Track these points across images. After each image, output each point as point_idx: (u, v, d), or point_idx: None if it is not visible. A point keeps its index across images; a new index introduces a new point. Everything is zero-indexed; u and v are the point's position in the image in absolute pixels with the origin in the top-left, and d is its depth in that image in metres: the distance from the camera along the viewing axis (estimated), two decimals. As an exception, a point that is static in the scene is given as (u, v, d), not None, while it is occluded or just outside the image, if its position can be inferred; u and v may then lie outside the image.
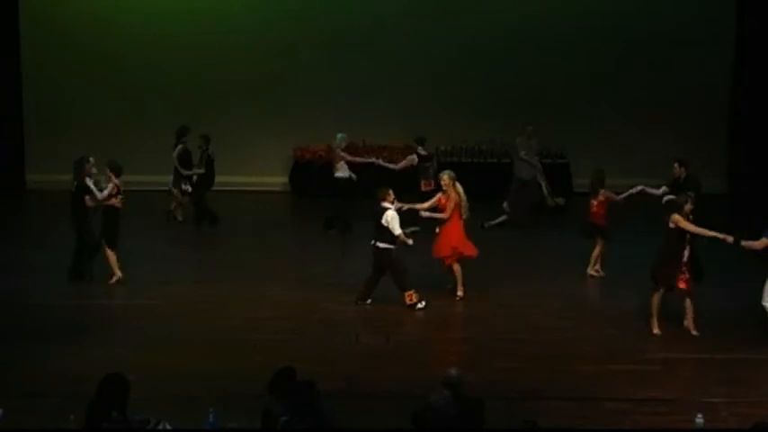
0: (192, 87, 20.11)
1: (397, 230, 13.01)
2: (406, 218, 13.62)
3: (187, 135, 17.61)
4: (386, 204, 13.12)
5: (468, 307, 13.39)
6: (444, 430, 8.12)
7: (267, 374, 8.06)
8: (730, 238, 11.76)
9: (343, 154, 17.30)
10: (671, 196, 13.73)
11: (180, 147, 17.50)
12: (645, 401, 10.38)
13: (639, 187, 14.75)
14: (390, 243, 13.07)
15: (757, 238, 11.87)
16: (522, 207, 17.66)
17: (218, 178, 18.01)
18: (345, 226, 17.01)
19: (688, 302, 12.27)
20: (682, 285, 12.12)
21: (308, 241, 16.96)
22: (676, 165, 14.61)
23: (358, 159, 17.69)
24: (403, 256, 13.25)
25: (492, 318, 13.08)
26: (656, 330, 12.31)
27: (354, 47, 20.23)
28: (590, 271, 14.57)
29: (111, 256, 13.99)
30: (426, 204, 13.74)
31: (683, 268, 12.09)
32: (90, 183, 14.00)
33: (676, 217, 11.98)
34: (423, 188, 16.80)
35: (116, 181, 13.94)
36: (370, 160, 17.82)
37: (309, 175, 19.96)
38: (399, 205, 13.37)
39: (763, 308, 11.91)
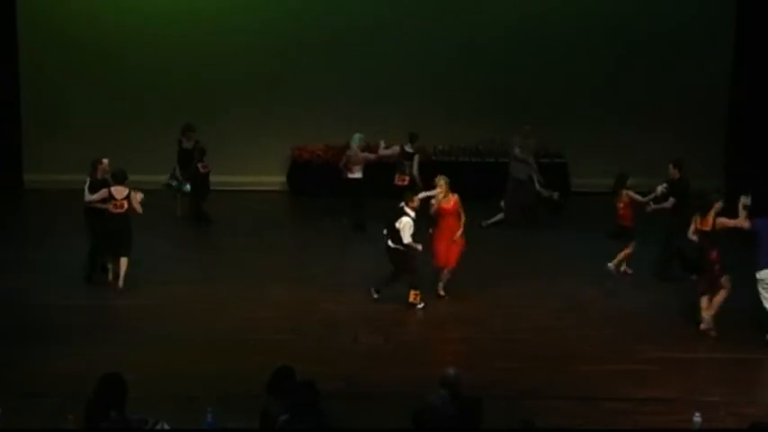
0: (191, 87, 20.05)
1: (407, 239, 13.11)
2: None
3: (187, 133, 17.66)
4: (407, 209, 13.19)
5: (468, 307, 13.40)
6: (442, 430, 8.13)
7: (267, 374, 8.06)
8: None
9: (364, 154, 17.29)
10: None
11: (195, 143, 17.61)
12: (644, 401, 10.41)
13: (661, 187, 14.75)
14: (400, 245, 13.18)
15: (753, 237, 11.98)
16: (516, 206, 17.64)
17: (216, 178, 18.02)
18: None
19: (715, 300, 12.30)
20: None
21: (307, 241, 16.95)
22: (671, 166, 14.71)
23: (383, 153, 17.59)
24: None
25: (491, 317, 13.08)
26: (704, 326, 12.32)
27: (353, 47, 20.18)
28: (611, 265, 14.46)
29: (123, 262, 13.94)
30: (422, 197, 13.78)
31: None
32: (86, 183, 14.06)
33: (722, 220, 12.11)
34: (396, 182, 16.88)
35: (111, 187, 13.89)
36: (387, 152, 17.71)
37: (307, 174, 19.94)
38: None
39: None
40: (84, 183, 14.22)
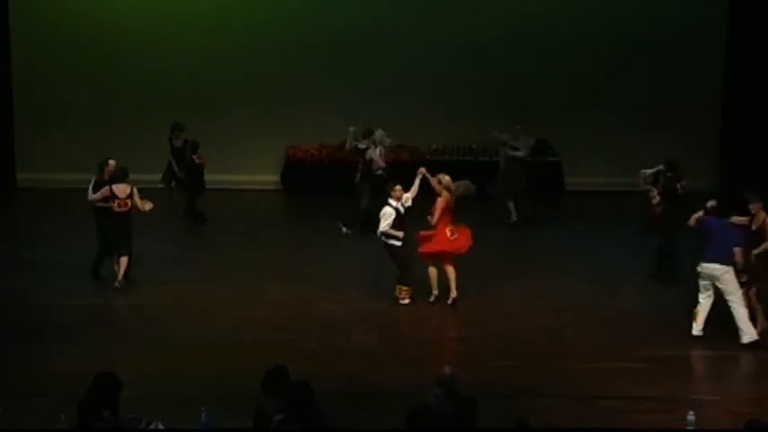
0: (185, 86, 20.03)
1: (382, 227, 13.12)
2: None
3: (175, 132, 17.68)
4: (390, 200, 13.23)
5: (465, 306, 13.39)
6: (438, 429, 8.14)
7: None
8: None
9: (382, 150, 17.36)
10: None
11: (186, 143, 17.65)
12: (639, 399, 10.43)
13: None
14: (391, 238, 13.17)
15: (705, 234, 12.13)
16: (506, 197, 17.59)
17: (209, 177, 17.98)
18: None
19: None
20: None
21: (303, 240, 16.94)
22: (663, 167, 14.79)
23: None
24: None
25: (488, 316, 13.08)
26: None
27: (350, 46, 20.19)
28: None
29: (122, 260, 13.95)
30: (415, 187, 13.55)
31: None
32: (91, 181, 14.07)
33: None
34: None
35: (113, 186, 13.87)
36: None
37: (301, 173, 19.96)
38: (413, 192, 13.39)
39: None
40: (88, 182, 14.18)
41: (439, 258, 13.36)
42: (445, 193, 13.27)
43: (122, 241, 13.92)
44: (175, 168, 17.74)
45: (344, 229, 16.81)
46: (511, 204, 17.59)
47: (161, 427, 7.36)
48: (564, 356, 11.64)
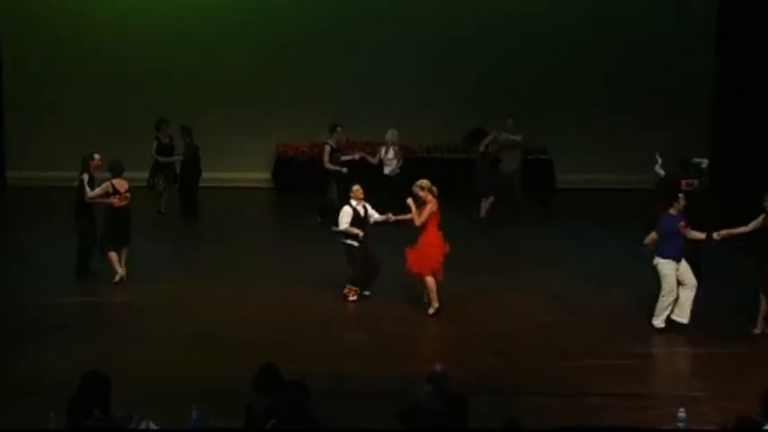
0: (175, 85, 20.02)
1: (341, 225, 13.18)
2: None
3: (161, 128, 17.65)
4: (351, 200, 13.25)
5: (455, 303, 13.39)
6: (428, 426, 8.14)
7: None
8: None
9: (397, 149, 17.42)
10: None
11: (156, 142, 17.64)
12: (629, 396, 10.46)
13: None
14: (348, 238, 13.20)
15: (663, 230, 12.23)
16: (490, 186, 17.58)
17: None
18: None
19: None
20: None
21: (295, 238, 16.93)
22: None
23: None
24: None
25: (479, 314, 13.08)
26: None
27: (343, 44, 20.19)
28: None
29: (112, 256, 13.92)
30: (408, 216, 13.12)
31: None
32: (85, 179, 13.99)
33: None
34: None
35: (113, 181, 13.89)
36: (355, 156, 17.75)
37: (292, 171, 19.94)
38: (386, 217, 13.34)
39: None
40: (75, 180, 14.13)
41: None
42: (430, 197, 12.91)
43: (124, 236, 13.97)
44: (171, 161, 17.60)
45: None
46: (488, 201, 17.55)
47: (152, 425, 7.34)
48: (554, 354, 11.66)
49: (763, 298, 12.17)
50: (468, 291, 13.85)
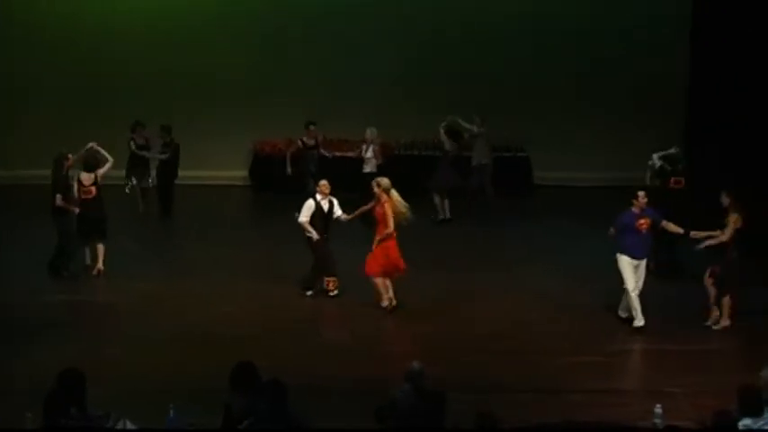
0: (152, 82, 19.95)
1: (301, 218, 13.26)
2: None
3: (137, 130, 17.57)
4: (317, 195, 13.29)
5: (434, 301, 13.43)
6: (406, 424, 8.14)
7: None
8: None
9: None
10: None
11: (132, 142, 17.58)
12: (606, 393, 10.51)
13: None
14: (308, 231, 13.31)
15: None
16: (446, 180, 17.58)
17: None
18: None
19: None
20: None
21: (274, 236, 16.83)
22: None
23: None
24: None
25: (459, 312, 13.12)
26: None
27: (319, 41, 20.17)
28: None
29: (98, 249, 14.07)
30: (357, 212, 13.36)
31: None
32: (75, 178, 14.18)
33: None
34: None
35: (80, 174, 14.01)
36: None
37: (270, 169, 19.90)
38: (346, 216, 13.41)
39: None
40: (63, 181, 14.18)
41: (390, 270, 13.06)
42: (385, 197, 12.85)
43: (98, 228, 14.06)
44: (154, 157, 17.54)
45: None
46: (438, 200, 17.57)
47: (129, 424, 7.30)
48: (534, 351, 11.72)
49: (712, 289, 12.36)
50: (448, 289, 13.87)
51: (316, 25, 20.18)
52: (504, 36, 20.18)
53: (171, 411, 8.04)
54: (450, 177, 17.64)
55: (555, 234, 16.70)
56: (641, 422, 9.06)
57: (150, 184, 17.74)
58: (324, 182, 13.44)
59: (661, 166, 14.85)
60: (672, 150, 15.02)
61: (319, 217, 13.29)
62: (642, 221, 12.31)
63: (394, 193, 12.96)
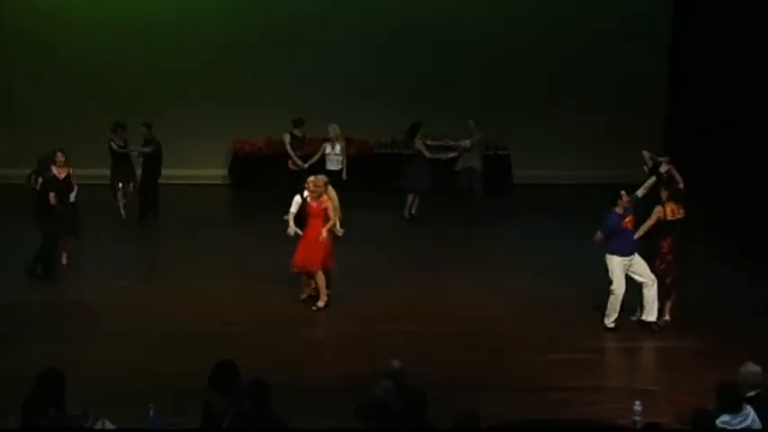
0: (131, 80, 19.90)
1: (291, 209, 13.23)
2: None
3: (117, 132, 17.50)
4: (305, 191, 13.20)
5: (412, 299, 13.44)
6: (387, 422, 8.15)
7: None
8: None
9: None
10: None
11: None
12: (586, 390, 10.55)
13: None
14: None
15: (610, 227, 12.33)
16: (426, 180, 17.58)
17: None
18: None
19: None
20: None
21: (252, 235, 16.86)
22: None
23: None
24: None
25: (438, 310, 13.13)
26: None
27: (298, 40, 20.17)
28: None
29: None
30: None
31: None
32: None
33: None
34: (290, 166, 17.42)
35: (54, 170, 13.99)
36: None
37: (249, 167, 19.87)
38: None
39: None
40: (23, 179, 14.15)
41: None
42: (325, 197, 12.96)
43: (65, 224, 14.04)
44: (140, 151, 17.48)
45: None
46: (411, 198, 17.57)
47: (108, 424, 7.29)
48: (513, 349, 11.74)
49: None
50: (426, 286, 13.89)
51: (296, 25, 20.16)
52: (482, 35, 20.20)
53: (152, 411, 8.03)
54: (427, 179, 17.63)
55: (535, 232, 16.75)
56: (621, 420, 9.11)
57: (131, 189, 17.56)
58: (312, 178, 13.40)
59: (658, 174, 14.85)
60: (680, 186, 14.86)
61: (305, 213, 13.28)
62: (627, 220, 12.36)
63: (331, 191, 13.09)
